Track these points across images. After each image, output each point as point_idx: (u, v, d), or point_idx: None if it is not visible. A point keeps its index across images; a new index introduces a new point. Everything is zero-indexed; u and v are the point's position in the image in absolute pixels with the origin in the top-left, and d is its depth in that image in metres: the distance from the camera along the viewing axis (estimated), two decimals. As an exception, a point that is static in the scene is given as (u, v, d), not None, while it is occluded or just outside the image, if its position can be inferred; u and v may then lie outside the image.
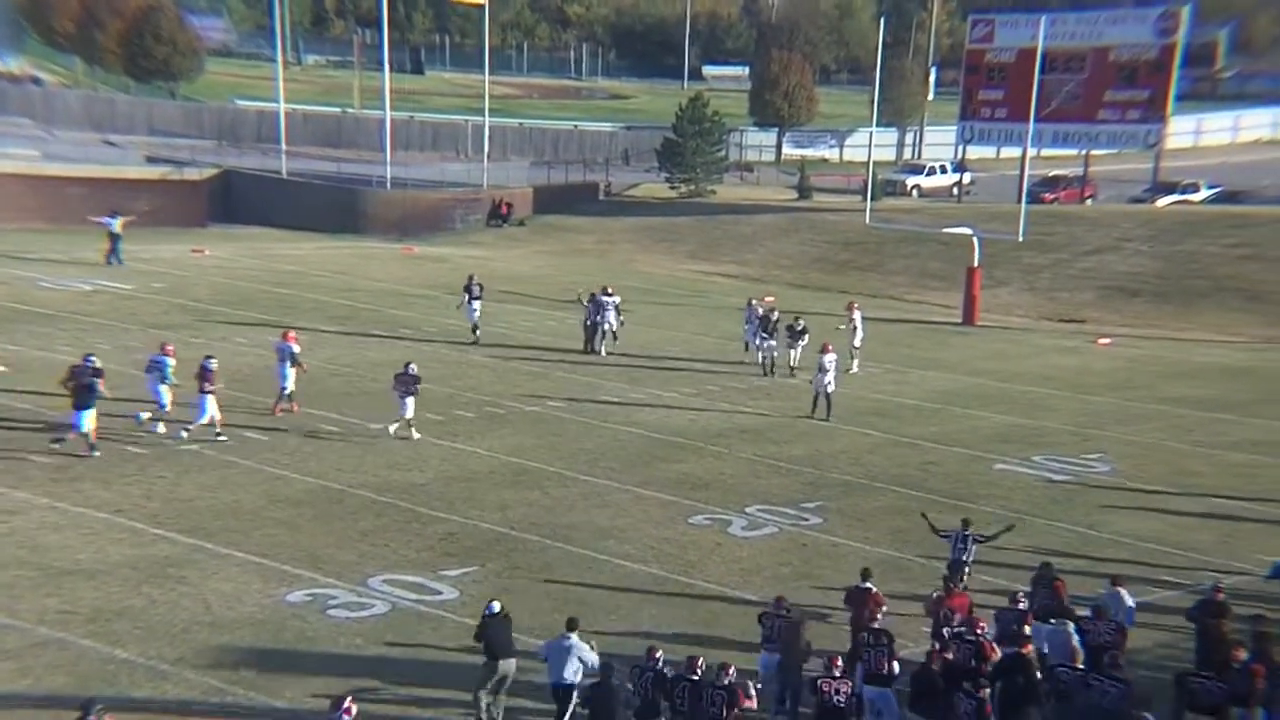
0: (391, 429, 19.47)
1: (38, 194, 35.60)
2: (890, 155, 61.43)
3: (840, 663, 10.90)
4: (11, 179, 36.85)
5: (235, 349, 24.51)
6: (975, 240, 34.16)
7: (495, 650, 11.42)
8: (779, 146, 62.27)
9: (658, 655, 10.74)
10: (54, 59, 62.27)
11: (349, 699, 9.79)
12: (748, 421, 22.33)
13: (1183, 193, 47.12)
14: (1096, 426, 23.11)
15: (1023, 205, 37.11)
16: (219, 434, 18.75)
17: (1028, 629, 11.74)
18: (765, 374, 25.38)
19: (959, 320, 33.97)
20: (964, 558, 14.36)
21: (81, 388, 17.37)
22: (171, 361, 18.97)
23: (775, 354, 25.40)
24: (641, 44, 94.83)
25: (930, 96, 60.97)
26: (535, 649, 11.82)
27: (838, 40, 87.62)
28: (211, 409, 18.67)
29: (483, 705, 11.40)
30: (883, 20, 43.12)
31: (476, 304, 27.49)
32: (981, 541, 14.50)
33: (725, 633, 13.42)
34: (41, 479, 16.62)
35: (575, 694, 10.97)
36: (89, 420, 17.38)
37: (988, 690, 10.70)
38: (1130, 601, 12.91)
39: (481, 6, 49.77)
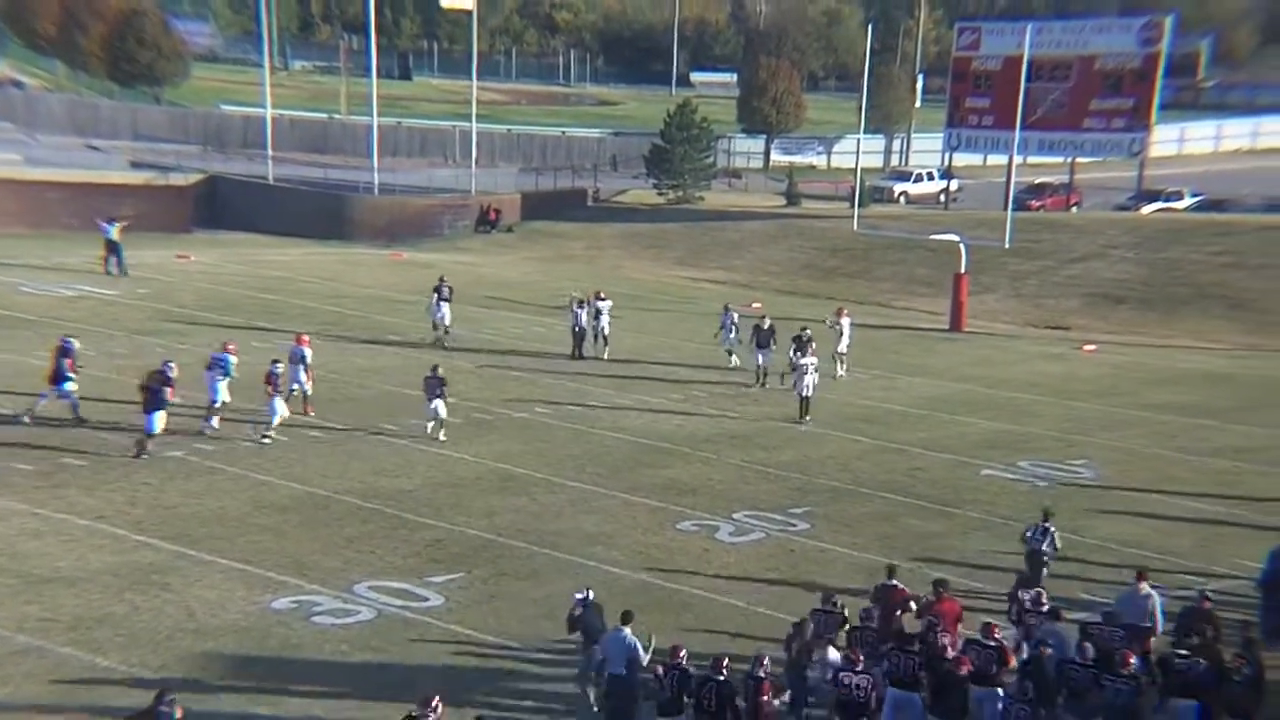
0: (430, 429, 19.95)
1: (19, 199, 35.34)
2: (878, 162, 61.63)
3: (861, 657, 11.12)
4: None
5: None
6: (962, 247, 34.28)
7: (593, 635, 11.72)
8: (767, 153, 62.40)
9: (682, 654, 10.85)
10: (35, 62, 61.93)
11: (437, 698, 9.72)
12: (735, 427, 22.32)
13: (1167, 201, 47.43)
14: (1081, 432, 23.18)
15: (1009, 212, 37.24)
16: (264, 436, 19.26)
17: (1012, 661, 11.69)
18: (758, 384, 25.05)
19: (946, 326, 34.07)
20: (1043, 548, 14.74)
21: (151, 392, 17.92)
22: (234, 359, 19.68)
23: (770, 363, 25.01)
24: (629, 50, 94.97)
25: (917, 104, 61.19)
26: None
27: (825, 47, 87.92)
28: (282, 410, 19.35)
29: (590, 694, 11.68)
30: (870, 28, 43.25)
31: (445, 306, 27.49)
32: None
33: (713, 637, 13.37)
34: (23, 485, 16.51)
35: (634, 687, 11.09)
36: (159, 422, 18.00)
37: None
38: (1158, 598, 13.00)
39: (470, 13, 49.74)
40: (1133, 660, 11.09)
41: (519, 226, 47.00)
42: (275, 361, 19.76)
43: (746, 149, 62.47)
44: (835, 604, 12.41)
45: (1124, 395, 26.74)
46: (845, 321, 26.63)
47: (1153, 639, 12.54)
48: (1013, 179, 41.98)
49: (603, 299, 27.27)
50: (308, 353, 20.80)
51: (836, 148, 64.21)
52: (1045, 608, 12.52)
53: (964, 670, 11.04)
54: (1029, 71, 37.09)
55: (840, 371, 26.25)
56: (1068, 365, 30.12)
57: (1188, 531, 17.73)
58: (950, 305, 34.26)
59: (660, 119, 51.95)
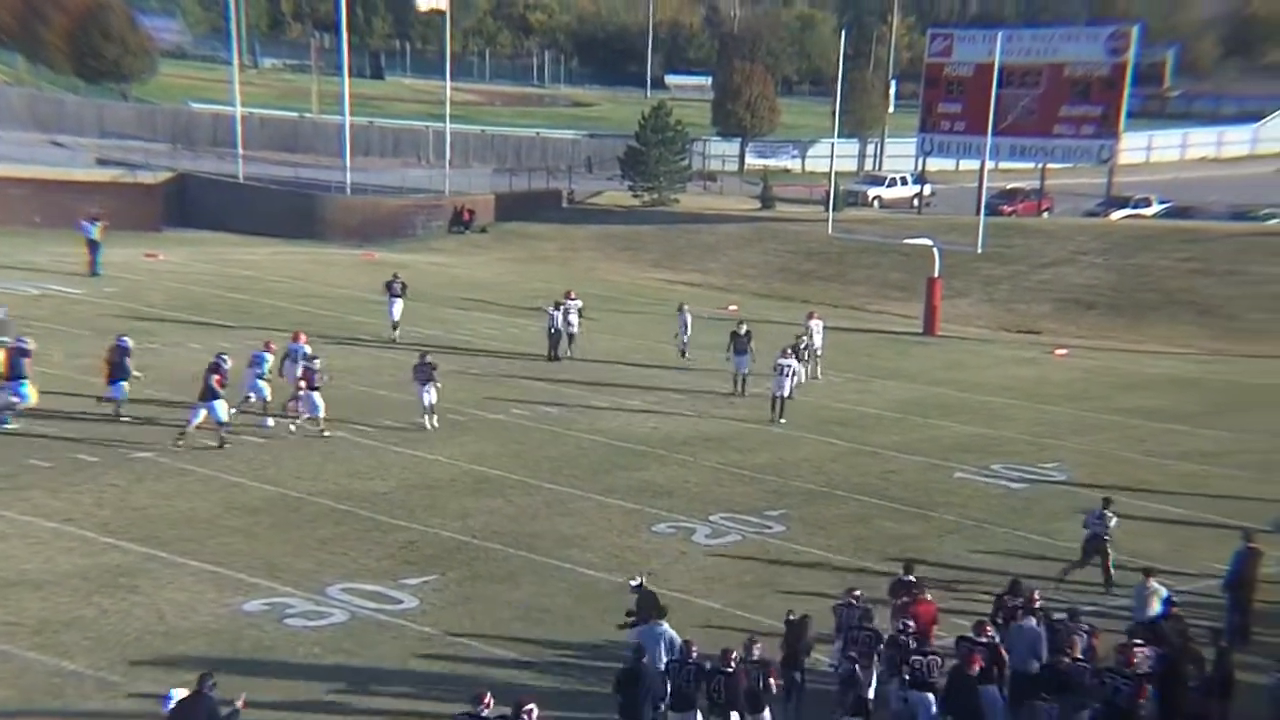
0: (424, 420, 20.32)
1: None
2: (852, 166, 61.94)
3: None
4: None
5: (190, 354, 24.08)
6: (935, 251, 34.47)
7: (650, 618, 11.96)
8: (742, 156, 62.55)
9: (694, 650, 10.98)
10: None
11: (489, 694, 9.81)
12: (711, 429, 22.31)
13: (1135, 207, 47.95)
14: (1053, 436, 23.35)
15: (981, 217, 37.53)
16: (324, 430, 19.72)
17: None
18: (737, 391, 24.68)
19: (920, 330, 34.25)
20: (1104, 533, 15.43)
21: (206, 385, 18.59)
22: (270, 358, 20.12)
23: (748, 370, 24.75)
24: (604, 52, 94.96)
25: (890, 109, 61.58)
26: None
27: (799, 52, 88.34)
28: (321, 406, 19.69)
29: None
30: (843, 33, 43.45)
31: (398, 302, 27.44)
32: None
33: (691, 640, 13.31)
34: (-11, 487, 16.22)
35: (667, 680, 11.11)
36: (223, 410, 18.61)
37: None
38: (1163, 592, 13.50)
39: (443, 13, 49.52)
40: (1138, 659, 11.22)
41: (493, 227, 46.81)
42: (314, 358, 20.31)
43: (721, 152, 62.59)
44: (858, 598, 12.61)
45: (1094, 399, 26.97)
46: (814, 324, 26.71)
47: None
48: (985, 184, 42.31)
49: (572, 298, 27.21)
50: (307, 349, 20.92)
51: (811, 152, 64.44)
52: (1037, 604, 12.52)
53: (975, 668, 11.14)
54: (1000, 78, 37.42)
55: (817, 375, 26.32)
56: (1040, 369, 30.35)
57: (1159, 534, 17.88)
58: (924, 309, 34.46)
59: (635, 121, 51.94)
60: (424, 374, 20.66)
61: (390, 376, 22.16)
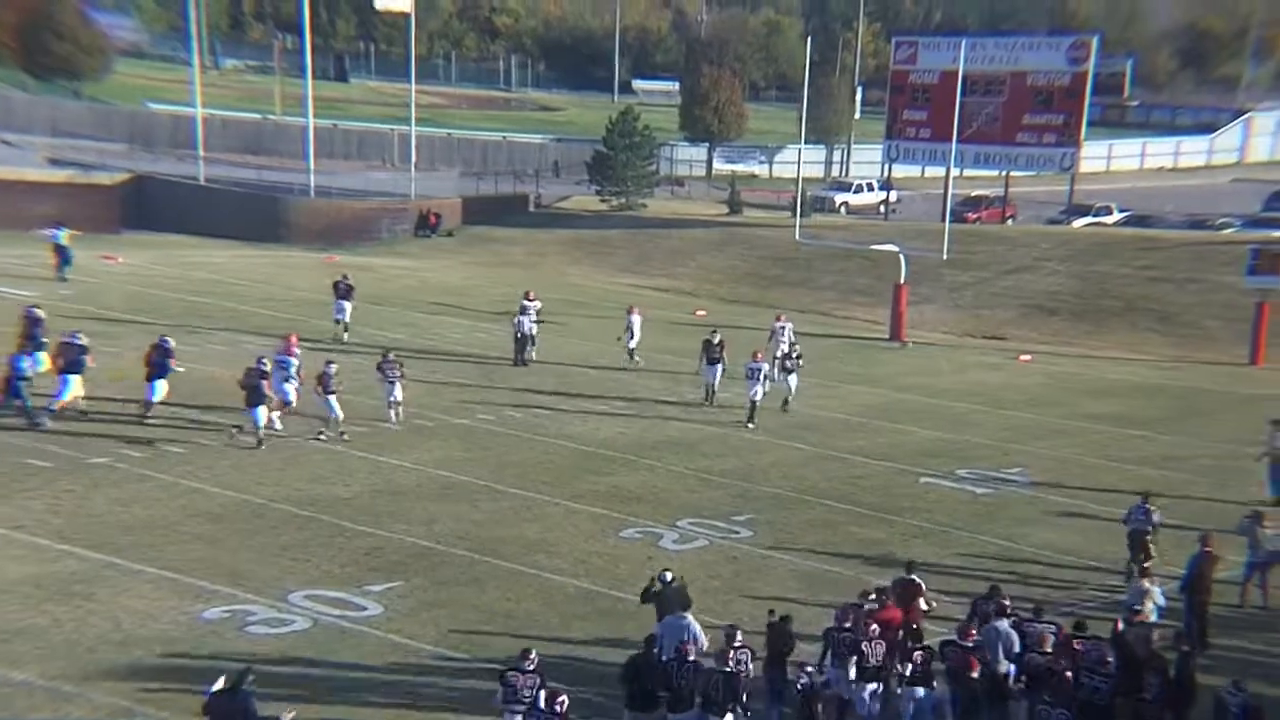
0: (390, 413, 20.59)
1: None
2: (819, 172, 62.23)
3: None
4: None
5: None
6: (901, 258, 34.67)
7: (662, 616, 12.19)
8: (709, 161, 62.67)
9: (690, 650, 11.08)
10: None
11: (534, 651, 10.70)
12: (678, 434, 22.24)
13: (1096, 215, 48.55)
14: (1017, 441, 23.50)
15: (946, 224, 37.80)
16: (343, 433, 19.83)
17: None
18: (706, 400, 24.55)
19: (886, 336, 34.41)
20: (1147, 528, 15.93)
21: (250, 388, 18.82)
22: (295, 361, 20.22)
23: (717, 380, 24.56)
24: (571, 56, 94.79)
25: (857, 115, 61.94)
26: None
27: (766, 57, 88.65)
28: (337, 409, 19.80)
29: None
30: (809, 40, 43.63)
31: (345, 304, 27.20)
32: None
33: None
34: (-64, 493, 15.81)
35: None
36: (263, 415, 18.97)
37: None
38: (1158, 593, 13.78)
39: (407, 15, 49.22)
40: (1110, 660, 11.31)
41: (459, 231, 46.55)
42: (329, 363, 20.26)
43: (689, 157, 62.68)
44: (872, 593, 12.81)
45: (1058, 405, 27.20)
46: (779, 325, 26.83)
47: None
48: (950, 191, 42.64)
49: (531, 300, 27.04)
50: (297, 356, 20.63)
51: (778, 157, 64.69)
52: (1007, 608, 12.59)
53: (974, 671, 11.26)
54: (964, 86, 37.73)
55: (774, 376, 26.27)
56: (1004, 375, 30.58)
57: (1119, 538, 17.99)
58: (890, 315, 34.63)
59: (602, 125, 51.90)
60: (389, 371, 20.89)
61: (353, 382, 21.86)
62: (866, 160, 59.79)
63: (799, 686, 11.25)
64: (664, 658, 11.21)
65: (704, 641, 11.57)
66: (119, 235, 40.33)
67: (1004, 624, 12.20)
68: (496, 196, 50.02)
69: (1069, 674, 11.20)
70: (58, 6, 55.34)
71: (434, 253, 43.82)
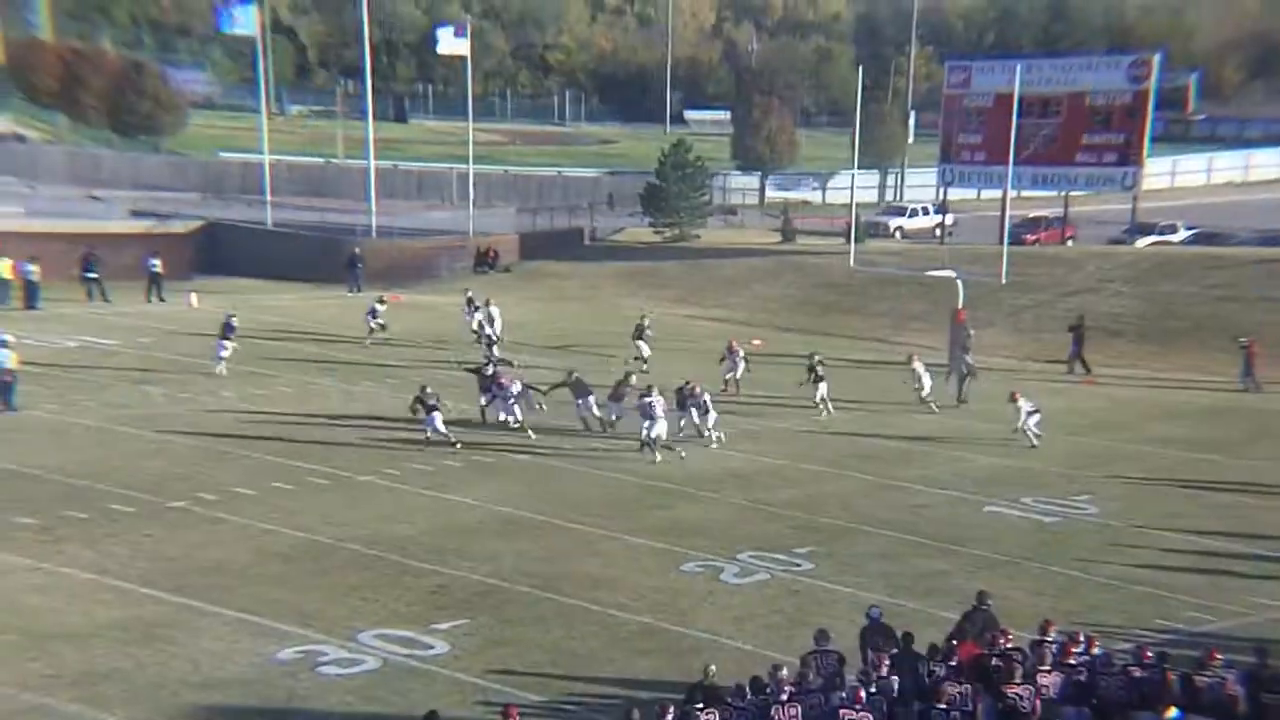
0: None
1: (21, 250, 35.77)
2: (872, 197, 62.04)
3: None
4: (-3, 236, 37.11)
5: (220, 402, 24.43)
6: (958, 282, 34.41)
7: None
8: (762, 190, 62.82)
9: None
10: (38, 116, 62.48)
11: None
12: (737, 466, 22.31)
13: (1161, 234, 47.67)
14: (1084, 467, 23.17)
15: (1004, 247, 37.47)
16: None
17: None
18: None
19: (943, 362, 34.09)
20: None
21: (427, 408, 22.07)
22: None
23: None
24: (623, 89, 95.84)
25: (910, 139, 61.71)
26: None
27: (817, 84, 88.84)
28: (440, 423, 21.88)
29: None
30: (860, 66, 43.69)
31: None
32: None
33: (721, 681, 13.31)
34: (25, 540, 16.44)
35: None
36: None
37: None
38: None
39: (464, 57, 50.23)
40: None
41: (517, 266, 47.17)
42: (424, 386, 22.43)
43: (742, 185, 62.86)
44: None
45: (1125, 429, 26.76)
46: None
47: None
48: (1007, 214, 42.26)
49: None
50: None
51: (831, 183, 64.59)
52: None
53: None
54: (1020, 108, 37.47)
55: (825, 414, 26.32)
56: (1067, 399, 30.12)
57: (1196, 568, 17.69)
58: (947, 340, 34.33)
59: (655, 157, 52.31)
60: (430, 405, 22.22)
61: (415, 417, 22.31)
62: (921, 184, 59.47)
63: None
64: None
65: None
66: (192, 280, 41.52)
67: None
68: (552, 231, 50.62)
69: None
70: (141, 68, 57.90)
71: (492, 288, 44.31)
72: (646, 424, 22.00)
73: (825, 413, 26.32)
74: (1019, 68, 39.05)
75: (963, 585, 16.62)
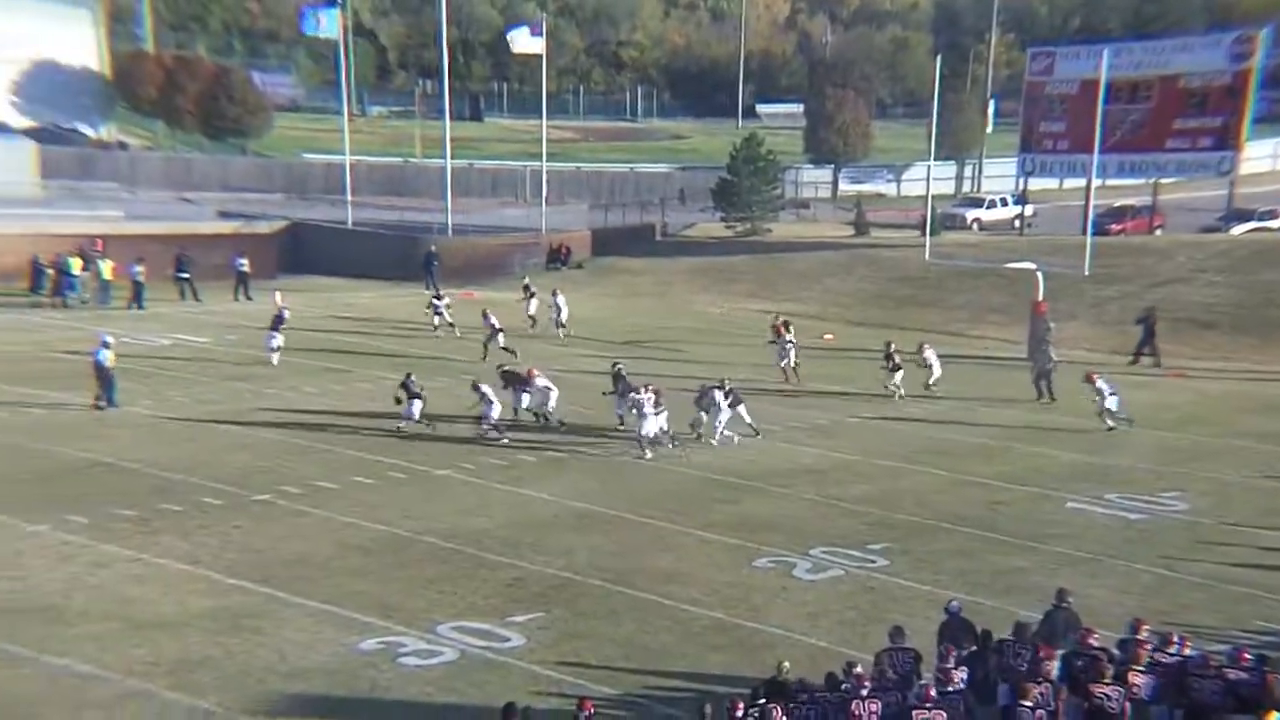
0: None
1: (120, 252, 37.22)
2: (949, 189, 61.07)
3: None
4: (99, 239, 38.57)
5: (304, 398, 25.08)
6: (1039, 274, 33.74)
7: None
8: (835, 183, 62.27)
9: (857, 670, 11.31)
10: (139, 124, 64.81)
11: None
12: (808, 460, 22.23)
13: (1261, 220, 45.97)
14: (1173, 463, 22.59)
15: (1088, 238, 36.64)
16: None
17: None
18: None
19: (1024, 355, 33.48)
20: None
21: (410, 395, 22.86)
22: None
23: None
24: (695, 84, 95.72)
25: (989, 129, 60.60)
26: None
27: (893, 75, 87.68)
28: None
29: None
30: (939, 58, 43.00)
31: (277, 335, 28.25)
32: None
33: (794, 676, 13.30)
34: (125, 531, 17.06)
35: None
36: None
37: None
38: None
39: (539, 56, 50.67)
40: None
41: (589, 263, 47.49)
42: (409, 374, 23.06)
43: (814, 179, 62.40)
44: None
45: (1216, 424, 26.01)
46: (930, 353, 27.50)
47: None
48: (1091, 203, 41.27)
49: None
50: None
51: (906, 175, 63.78)
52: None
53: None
54: (1107, 94, 36.57)
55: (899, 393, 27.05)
56: (1155, 393, 29.37)
57: (1285, 563, 17.17)
58: (1027, 333, 33.71)
59: (726, 152, 52.21)
60: (413, 393, 22.87)
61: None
62: (999, 175, 58.39)
63: None
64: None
65: None
66: (276, 280, 42.63)
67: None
68: (624, 227, 50.85)
69: None
70: (230, 73, 59.79)
71: (565, 285, 44.73)
72: (639, 421, 21.93)
73: (898, 396, 27.14)
74: (1106, 52, 38.13)
75: (1043, 583, 16.35)
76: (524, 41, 49.25)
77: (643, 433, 21.93)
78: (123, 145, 60.63)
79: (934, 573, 16.79)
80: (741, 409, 23.06)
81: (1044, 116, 44.73)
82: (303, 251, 46.05)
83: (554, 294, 35.22)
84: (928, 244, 39.51)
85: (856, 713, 10.86)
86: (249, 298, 37.69)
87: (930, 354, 28.37)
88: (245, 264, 38.71)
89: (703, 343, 33.41)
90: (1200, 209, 48.75)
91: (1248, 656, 11.87)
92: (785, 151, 56.82)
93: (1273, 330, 35.08)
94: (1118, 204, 49.46)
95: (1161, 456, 23.10)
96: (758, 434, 23.24)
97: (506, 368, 24.72)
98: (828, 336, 34.75)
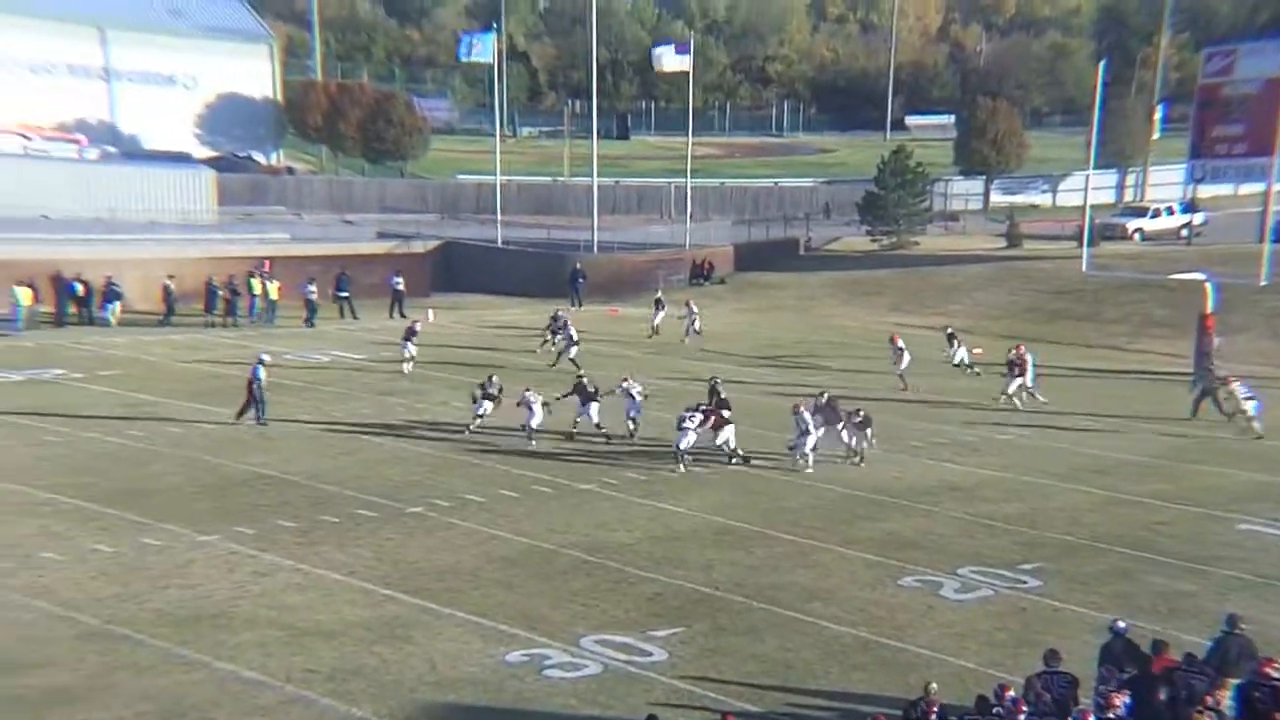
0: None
1: (288, 273, 39.35)
2: (1109, 198, 58.61)
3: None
4: (267, 260, 40.89)
5: (452, 412, 25.85)
6: (1209, 285, 32.03)
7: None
8: (986, 194, 60.57)
9: (1009, 694, 11.09)
10: (306, 149, 68.39)
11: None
12: (954, 478, 21.68)
13: None
14: (1357, 485, 21.13)
15: (1266, 245, 34.61)
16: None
17: None
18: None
19: (1189, 370, 31.82)
20: None
21: (484, 396, 23.99)
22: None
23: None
24: (842, 98, 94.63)
25: (1155, 135, 57.90)
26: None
27: (1051, 82, 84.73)
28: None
29: None
30: (1103, 63, 41.34)
31: (410, 346, 29.56)
32: None
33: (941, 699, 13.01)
34: (287, 542, 17.81)
35: None
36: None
37: None
38: None
39: (686, 73, 51.13)
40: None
41: (731, 278, 47.53)
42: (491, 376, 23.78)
43: (964, 190, 60.85)
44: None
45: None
46: (1029, 356, 27.12)
47: None
48: (1271, 208, 38.95)
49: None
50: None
51: (1062, 185, 61.51)
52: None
53: None
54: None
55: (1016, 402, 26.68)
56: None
57: None
58: (1192, 348, 32.00)
59: (874, 165, 51.48)
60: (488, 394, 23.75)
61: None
62: (1165, 182, 55.71)
63: None
64: None
65: None
66: (429, 298, 44.25)
67: None
68: (767, 242, 50.72)
69: None
70: (391, 98, 62.63)
71: (706, 300, 44.75)
72: (679, 434, 21.95)
73: (1017, 403, 26.93)
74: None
75: (1211, 607, 15.56)
76: (670, 60, 49.79)
77: (681, 445, 21.95)
78: (290, 170, 64.09)
79: (1089, 594, 16.17)
80: (843, 432, 22.40)
81: (1220, 119, 42.63)
82: (454, 270, 47.62)
83: (688, 304, 35.92)
84: (1085, 255, 38.03)
85: None
86: (403, 315, 38.91)
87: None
88: (400, 282, 40.18)
89: (840, 356, 32.99)
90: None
91: None
92: (934, 164, 55.65)
93: None
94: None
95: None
96: (857, 459, 22.53)
97: (583, 379, 24.95)
98: (976, 350, 33.74)
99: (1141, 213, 51.75)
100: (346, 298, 39.65)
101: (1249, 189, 47.92)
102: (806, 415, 22.03)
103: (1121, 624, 12.58)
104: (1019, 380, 27.40)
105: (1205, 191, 48.30)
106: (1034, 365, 27.90)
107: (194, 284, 38.03)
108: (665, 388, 27.56)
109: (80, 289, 36.42)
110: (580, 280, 43.73)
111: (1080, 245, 39.26)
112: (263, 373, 24.47)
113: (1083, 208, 42.24)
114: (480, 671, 13.79)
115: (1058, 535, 18.48)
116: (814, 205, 58.50)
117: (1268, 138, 35.58)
